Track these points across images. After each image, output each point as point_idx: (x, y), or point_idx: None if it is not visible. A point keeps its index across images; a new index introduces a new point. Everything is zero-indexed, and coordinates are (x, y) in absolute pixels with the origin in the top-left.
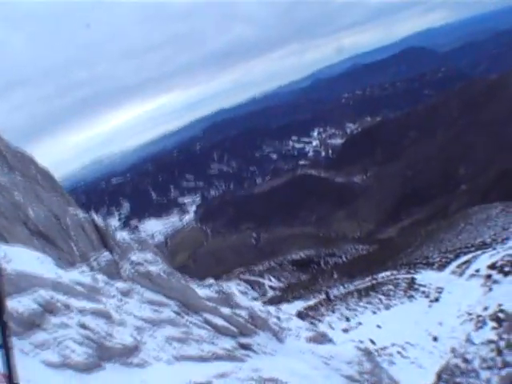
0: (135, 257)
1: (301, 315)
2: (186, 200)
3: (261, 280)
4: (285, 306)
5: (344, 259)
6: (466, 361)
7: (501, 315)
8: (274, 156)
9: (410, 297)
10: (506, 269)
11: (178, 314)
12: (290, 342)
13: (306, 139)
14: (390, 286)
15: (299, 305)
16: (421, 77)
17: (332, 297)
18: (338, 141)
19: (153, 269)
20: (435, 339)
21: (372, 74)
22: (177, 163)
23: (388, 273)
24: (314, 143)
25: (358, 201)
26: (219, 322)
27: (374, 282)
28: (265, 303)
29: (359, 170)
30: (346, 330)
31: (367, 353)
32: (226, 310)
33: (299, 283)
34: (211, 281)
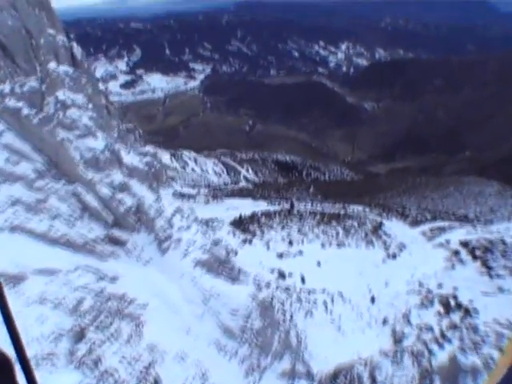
0: (63, 95)
1: (242, 223)
2: (197, 67)
3: (239, 168)
4: (240, 203)
5: (326, 178)
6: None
7: (452, 302)
8: (296, 54)
9: (369, 242)
10: (478, 253)
11: (39, 174)
12: (173, 256)
13: (333, 49)
14: (355, 223)
15: (260, 205)
16: (470, 29)
17: (295, 210)
18: (364, 62)
19: (70, 112)
20: (372, 300)
21: (420, 8)
22: (199, 28)
23: (360, 207)
24: (340, 56)
25: (361, 127)
26: (92, 201)
27: (343, 211)
28: (228, 194)
29: (373, 97)
30: (280, 256)
31: (264, 306)
32: (105, 191)
33: (274, 184)
34: (148, 149)
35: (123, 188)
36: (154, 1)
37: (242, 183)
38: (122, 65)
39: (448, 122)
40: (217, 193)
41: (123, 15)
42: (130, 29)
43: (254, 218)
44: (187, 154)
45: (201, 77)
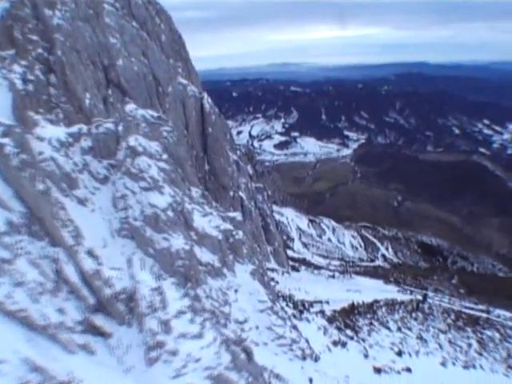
0: (135, 140)
1: (352, 312)
2: (351, 135)
3: (378, 244)
4: (367, 284)
5: (474, 269)
6: None
7: None
8: (456, 131)
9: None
10: None
11: (12, 227)
12: (161, 372)
13: (499, 128)
14: (496, 335)
15: (388, 291)
16: None
17: (426, 305)
18: None
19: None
20: None
21: None
22: (357, 96)
23: (509, 314)
24: (505, 136)
25: None
26: (72, 274)
27: (485, 315)
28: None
29: None
30: (378, 371)
31: None
32: (89, 263)
33: (413, 268)
34: (235, 215)
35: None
36: (315, 67)
37: (379, 261)
38: (278, 125)
39: None
40: (348, 268)
41: (285, 78)
42: (289, 92)
43: (371, 307)
44: (326, 223)
45: (354, 145)
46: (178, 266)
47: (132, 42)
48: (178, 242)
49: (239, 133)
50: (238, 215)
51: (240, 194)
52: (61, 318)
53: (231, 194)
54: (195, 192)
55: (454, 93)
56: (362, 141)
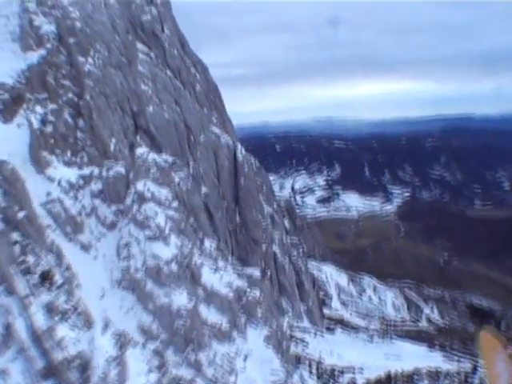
0: (143, 185)
1: None
2: (395, 190)
3: (422, 305)
4: (409, 349)
5: None
6: None
7: None
8: (506, 185)
9: None
10: None
11: None
12: None
13: None
14: None
15: (433, 358)
16: None
17: (476, 375)
18: None
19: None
20: None
21: None
22: (401, 151)
23: None
24: None
25: None
26: (22, 332)
27: None
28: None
29: None
30: None
31: None
32: (41, 320)
33: (461, 333)
34: (253, 271)
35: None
36: (359, 122)
37: (423, 323)
38: (320, 180)
39: None
40: (389, 329)
41: (328, 133)
42: (332, 146)
43: (411, 378)
44: (368, 280)
45: (398, 201)
46: (178, 326)
47: (165, 89)
48: (180, 298)
49: (282, 187)
50: (255, 271)
51: (273, 248)
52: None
53: (263, 247)
54: (209, 244)
55: (502, 146)
56: (406, 196)
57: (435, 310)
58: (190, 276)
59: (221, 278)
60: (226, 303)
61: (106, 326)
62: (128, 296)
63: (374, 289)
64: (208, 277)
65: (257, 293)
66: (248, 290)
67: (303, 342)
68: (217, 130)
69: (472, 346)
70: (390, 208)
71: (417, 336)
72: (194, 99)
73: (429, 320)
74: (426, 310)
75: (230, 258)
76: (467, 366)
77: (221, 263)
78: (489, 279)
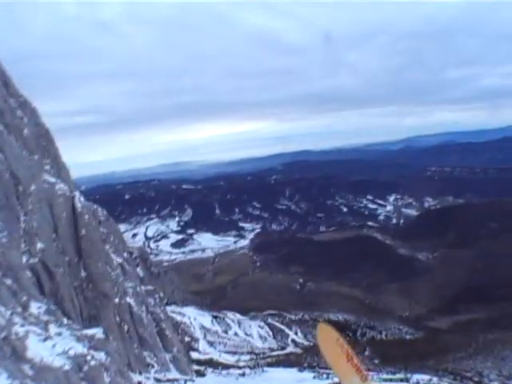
0: None
1: None
2: (247, 226)
3: (287, 331)
4: (281, 375)
5: (383, 337)
6: None
7: None
8: (345, 209)
9: None
10: None
11: None
12: None
13: (381, 202)
14: None
15: (305, 379)
16: None
17: None
18: (413, 212)
19: None
20: None
21: (464, 154)
22: (248, 188)
23: (426, 376)
24: (388, 208)
25: (416, 279)
26: None
27: (404, 382)
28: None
29: (426, 247)
30: None
31: None
32: None
33: None
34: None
35: None
36: (206, 164)
37: (290, 348)
38: (173, 224)
39: (510, 267)
40: (258, 361)
41: (177, 177)
42: (181, 190)
43: None
44: (231, 317)
45: (250, 235)
46: None
47: None
48: None
49: (134, 235)
50: (98, 331)
51: (127, 299)
52: None
53: (116, 300)
54: (36, 308)
55: (338, 175)
56: (258, 230)
57: (299, 333)
58: (10, 352)
59: (53, 347)
60: (62, 377)
61: None
62: None
63: (239, 324)
64: (36, 348)
65: (102, 356)
66: (89, 355)
67: None
68: (51, 179)
69: None
70: (244, 243)
71: (286, 360)
72: (21, 145)
73: (295, 343)
74: (291, 335)
75: (65, 320)
76: (336, 380)
77: (53, 329)
78: (341, 295)
